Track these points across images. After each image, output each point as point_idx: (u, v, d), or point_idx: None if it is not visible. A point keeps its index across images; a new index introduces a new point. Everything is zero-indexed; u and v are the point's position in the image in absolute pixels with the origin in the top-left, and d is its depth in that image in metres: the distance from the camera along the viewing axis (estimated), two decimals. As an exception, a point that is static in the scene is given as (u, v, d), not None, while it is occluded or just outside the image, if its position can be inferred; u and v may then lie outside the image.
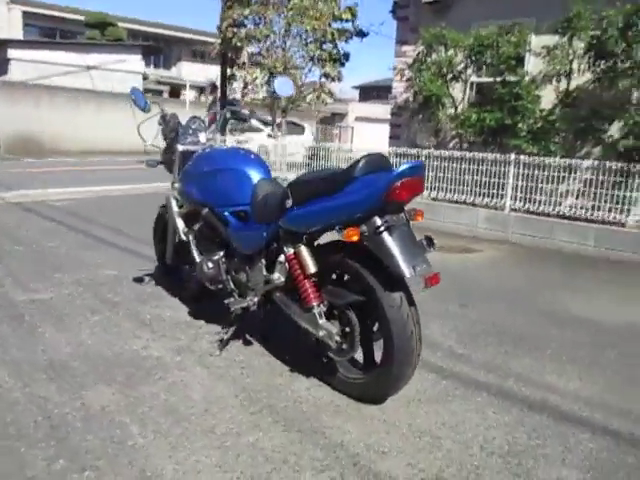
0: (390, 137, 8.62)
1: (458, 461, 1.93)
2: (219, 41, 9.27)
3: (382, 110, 26.49)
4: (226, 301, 2.71)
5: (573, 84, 6.15)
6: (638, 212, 5.67)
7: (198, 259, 2.93)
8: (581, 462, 1.96)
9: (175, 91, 28.50)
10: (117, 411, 2.14)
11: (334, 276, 2.34)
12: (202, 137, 3.05)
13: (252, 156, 2.79)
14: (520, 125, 6.15)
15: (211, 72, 27.73)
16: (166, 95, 27.12)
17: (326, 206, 2.06)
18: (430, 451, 1.99)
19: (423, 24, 7.87)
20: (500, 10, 6.95)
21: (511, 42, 6.36)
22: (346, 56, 8.95)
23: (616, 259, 5.44)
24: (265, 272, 2.50)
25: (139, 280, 3.90)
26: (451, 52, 6.91)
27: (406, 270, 1.93)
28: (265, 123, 3.15)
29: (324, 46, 8.62)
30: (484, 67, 6.72)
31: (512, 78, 6.45)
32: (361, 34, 8.94)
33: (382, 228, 1.97)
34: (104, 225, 5.78)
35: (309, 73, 9.09)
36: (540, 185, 6.10)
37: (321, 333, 2.23)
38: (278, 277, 2.34)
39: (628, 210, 5.56)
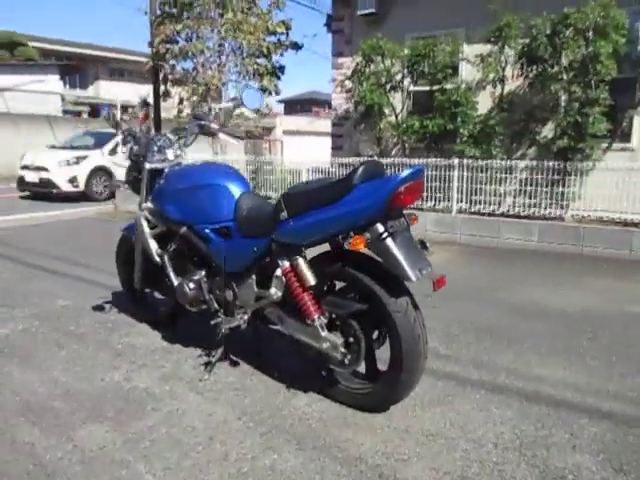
0: (332, 148, 8.72)
1: (477, 460, 1.95)
2: (148, 59, 9.04)
3: (307, 123, 27.05)
4: (213, 322, 2.60)
5: (507, 89, 6.51)
6: (575, 207, 6.05)
7: (175, 281, 2.80)
8: (589, 447, 2.03)
9: (95, 111, 27.38)
10: (117, 450, 2.00)
11: (329, 287, 2.31)
12: (170, 154, 2.93)
13: (229, 170, 2.72)
14: (461, 130, 6.41)
15: (131, 90, 26.94)
16: (86, 115, 26.00)
17: (327, 216, 2.03)
18: (448, 453, 1.99)
19: (358, 36, 8.07)
20: (432, 22, 7.23)
21: (446, 52, 6.63)
22: (282, 69, 8.99)
23: (558, 252, 5.76)
24: (256, 288, 2.43)
25: (99, 308, 3.68)
26: (389, 62, 7.10)
27: (412, 274, 1.94)
28: (237, 137, 3.07)
29: (260, 60, 8.60)
30: (421, 76, 6.93)
31: (449, 86, 6.72)
32: (295, 47, 9.01)
33: (385, 234, 1.97)
34: (40, 253, 5.42)
35: (243, 88, 9.03)
36: (484, 187, 6.37)
37: (325, 345, 2.18)
38: (275, 292, 2.27)
39: (566, 205, 5.92)
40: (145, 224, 2.90)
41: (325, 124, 19.23)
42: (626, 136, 6.15)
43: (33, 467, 1.88)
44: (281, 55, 8.87)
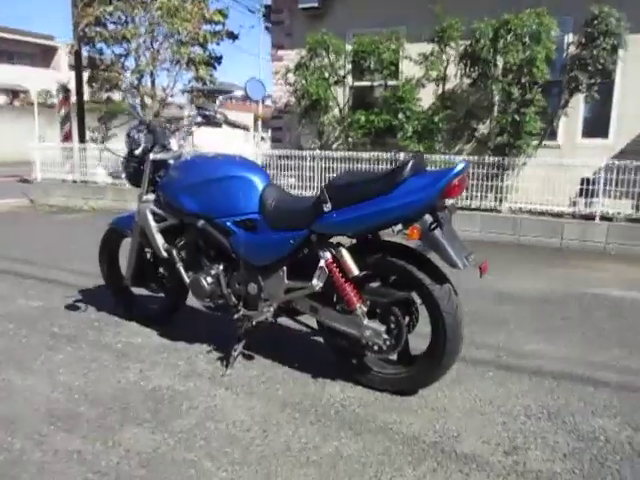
0: (272, 140, 8.68)
1: (518, 431, 2.11)
2: (72, 42, 8.44)
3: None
4: (236, 316, 2.57)
5: (450, 88, 6.87)
6: (511, 199, 6.54)
7: (186, 276, 2.72)
8: (605, 411, 2.28)
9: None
10: (174, 450, 1.93)
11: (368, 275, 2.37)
12: (174, 144, 2.82)
13: (249, 162, 2.68)
14: (406, 126, 6.67)
15: (21, 74, 24.74)
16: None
17: (378, 208, 2.09)
18: (490, 426, 2.14)
19: (299, 29, 8.10)
20: (373, 19, 7.43)
21: (390, 49, 6.86)
22: (219, 59, 8.78)
23: (498, 240, 6.22)
24: (287, 280, 2.43)
25: (74, 308, 3.47)
26: (333, 57, 7.21)
27: (460, 262, 2.06)
28: (243, 127, 3.00)
29: (195, 48, 8.35)
30: (366, 72, 7.12)
31: (394, 82, 6.97)
32: (232, 36, 8.84)
33: (435, 225, 2.07)
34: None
35: (178, 76, 8.73)
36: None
37: (367, 333, 2.25)
38: (317, 283, 2.29)
39: (505, 198, 6.39)
40: (151, 217, 2.77)
41: (234, 115, 19.09)
42: (553, 134, 6.75)
43: (93, 475, 1.78)
44: (217, 44, 8.67)
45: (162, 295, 3.16)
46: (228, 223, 2.53)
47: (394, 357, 2.41)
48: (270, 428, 2.10)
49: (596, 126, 6.82)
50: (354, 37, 7.25)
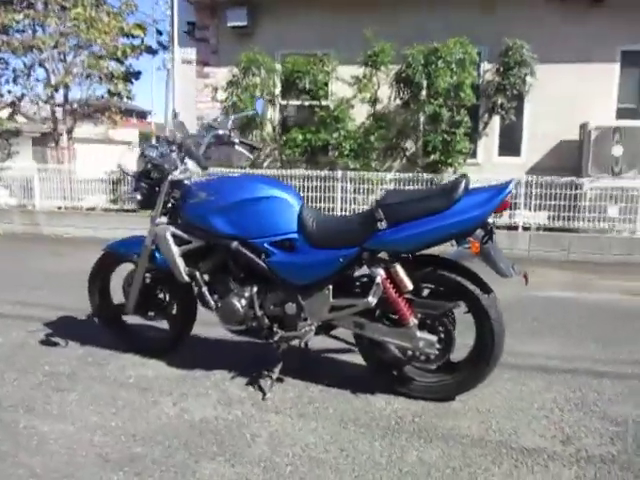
0: (199, 158, 8.47)
1: (561, 422, 2.32)
2: None
3: (97, 130, 24.91)
4: (276, 337, 2.53)
5: (383, 108, 7.23)
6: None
7: (212, 300, 2.63)
8: (623, 400, 2.57)
9: None
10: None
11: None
12: (190, 164, 2.72)
13: (280, 182, 2.67)
14: (343, 144, 6.91)
15: None
16: None
17: (437, 225, 2.20)
18: (536, 421, 2.33)
19: (226, 47, 8.06)
20: (302, 40, 7.62)
21: (324, 71, 7.09)
22: (137, 75, 8.39)
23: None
24: (332, 299, 2.45)
25: (51, 343, 3.18)
26: (266, 75, 7.28)
27: (508, 272, 2.25)
28: (253, 148, 2.96)
29: (112, 63, 7.91)
30: (299, 91, 7.26)
31: (328, 102, 7.20)
32: (151, 51, 8.51)
33: (486, 238, 2.24)
34: None
35: (90, 90, 8.21)
36: (363, 196, 6.99)
37: (421, 344, 2.34)
38: (372, 300, 2.34)
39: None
40: (172, 240, 2.63)
41: (121, 133, 18.37)
42: (474, 153, 7.37)
43: (201, 515, 1.67)
44: (137, 59, 8.32)
45: (153, 323, 3.00)
46: (265, 244, 2.50)
47: (434, 366, 2.52)
48: (345, 446, 2.10)
49: (510, 146, 7.57)
50: (287, 57, 7.37)
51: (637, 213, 6.59)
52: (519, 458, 2.04)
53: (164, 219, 2.73)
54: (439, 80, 6.38)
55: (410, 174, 6.82)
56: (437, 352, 2.36)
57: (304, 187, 7.01)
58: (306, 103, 7.42)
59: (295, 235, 2.48)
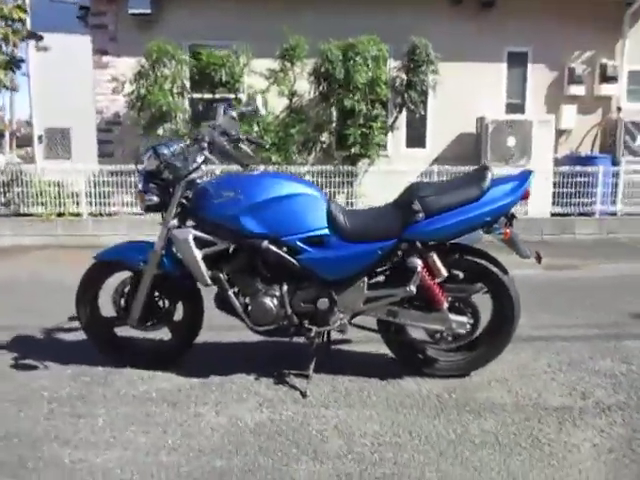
0: (100, 155, 7.83)
1: (569, 381, 2.65)
2: None
3: None
4: (312, 333, 2.54)
5: (301, 102, 7.28)
6: (360, 202, 7.31)
7: (238, 302, 2.56)
8: (597, 355, 2.99)
9: None
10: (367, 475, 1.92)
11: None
12: (201, 162, 2.58)
13: (305, 180, 2.65)
14: (265, 138, 6.87)
15: None
16: None
17: (472, 214, 2.37)
18: (550, 383, 2.63)
19: (126, 35, 7.53)
20: (210, 32, 7.37)
21: (239, 63, 6.96)
22: (19, 62, 7.44)
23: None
24: (367, 290, 2.53)
25: (27, 368, 2.85)
26: (179, 67, 6.96)
27: (528, 254, 2.51)
28: (260, 145, 2.87)
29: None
30: (213, 84, 7.04)
31: (245, 95, 7.09)
32: (34, 37, 7.60)
33: (509, 224, 2.47)
34: None
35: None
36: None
37: (454, 325, 2.52)
38: (412, 289, 2.44)
39: (355, 202, 7.13)
40: (194, 244, 2.50)
41: None
42: (384, 146, 7.74)
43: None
44: (14, 46, 7.41)
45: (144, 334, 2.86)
46: (297, 242, 2.49)
47: (455, 345, 2.71)
48: (411, 429, 2.21)
49: (416, 138, 8.09)
50: (198, 48, 7.09)
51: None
52: (559, 416, 2.31)
53: (176, 222, 2.58)
54: (357, 76, 6.62)
55: (331, 167, 7.01)
56: (466, 332, 2.56)
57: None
58: (222, 96, 7.21)
59: (326, 231, 2.51)
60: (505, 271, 2.57)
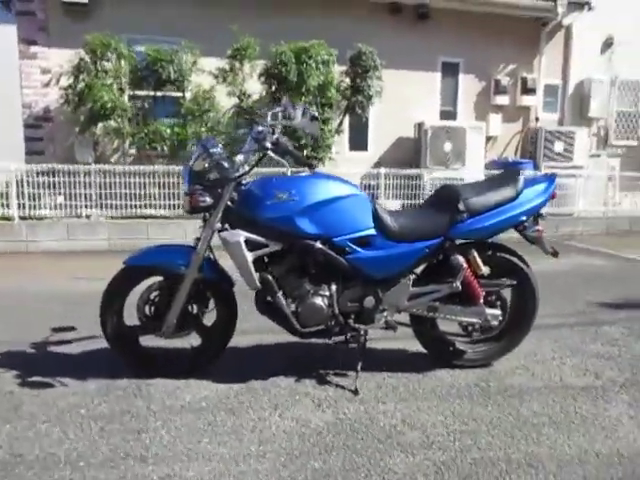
0: (27, 153, 7.17)
1: (579, 364, 2.94)
2: None
3: None
4: (361, 332, 2.59)
5: (252, 103, 7.18)
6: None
7: (286, 304, 2.54)
8: (588, 340, 3.34)
9: None
10: (462, 459, 2.02)
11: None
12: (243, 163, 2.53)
13: (351, 181, 2.66)
14: (217, 138, 6.70)
15: None
16: None
17: (511, 214, 2.56)
18: (562, 366, 2.90)
19: (58, 25, 6.99)
20: (151, 27, 7.07)
21: (189, 61, 6.74)
22: None
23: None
24: (412, 287, 2.63)
25: (41, 386, 2.62)
26: (122, 62, 6.59)
27: (549, 250, 2.76)
28: (309, 165, 2.76)
29: None
30: (159, 81, 6.75)
31: (192, 94, 6.88)
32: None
33: (537, 223, 2.70)
34: None
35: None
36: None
37: (489, 318, 2.70)
38: (458, 285, 2.57)
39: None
40: (245, 247, 2.44)
41: None
42: (329, 148, 7.87)
43: None
44: None
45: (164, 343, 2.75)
46: (347, 242, 2.53)
47: (484, 336, 2.89)
48: (473, 416, 2.34)
49: (359, 141, 8.32)
50: (140, 44, 6.77)
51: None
52: (588, 394, 2.57)
53: (219, 224, 2.51)
54: (310, 79, 6.69)
55: (285, 169, 7.00)
56: (498, 323, 2.75)
57: (169, 184, 6.65)
58: (166, 93, 6.94)
59: (373, 231, 2.57)
60: (528, 266, 2.80)
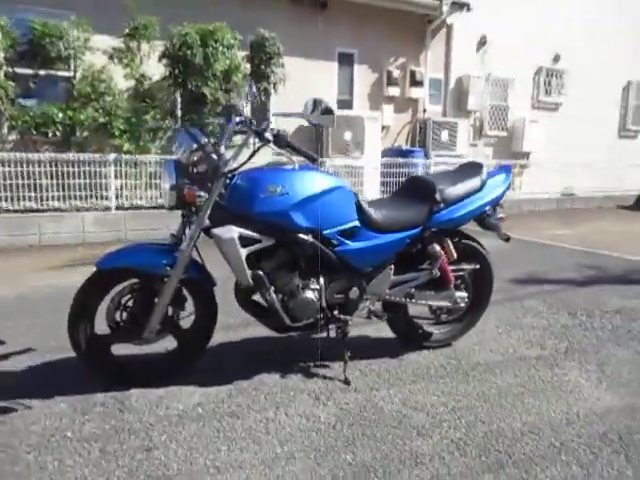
0: None
1: (563, 331, 3.28)
2: None
3: None
4: (349, 323, 2.63)
5: (152, 86, 6.67)
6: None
7: (277, 300, 2.49)
8: (539, 315, 3.73)
9: None
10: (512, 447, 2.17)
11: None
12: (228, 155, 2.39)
13: (332, 173, 2.63)
14: (115, 123, 6.19)
15: None
16: None
17: (480, 203, 2.74)
18: (554, 334, 3.23)
19: None
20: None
21: (80, 38, 6.11)
22: None
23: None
24: (393, 276, 2.71)
25: (8, 409, 2.31)
26: (-2, 36, 5.77)
27: (505, 236, 3.02)
28: (312, 159, 2.51)
29: None
30: (46, 59, 6.02)
31: (83, 74, 6.26)
32: None
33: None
34: None
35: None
36: (135, 182, 6.52)
37: (458, 300, 2.89)
38: (437, 272, 2.70)
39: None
40: (238, 242, 2.32)
41: None
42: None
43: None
44: None
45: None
46: (336, 234, 2.54)
47: (451, 318, 3.08)
48: (464, 393, 2.51)
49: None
50: (20, 14, 5.96)
51: (362, 185, 8.30)
52: (544, 363, 2.88)
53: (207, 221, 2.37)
54: (217, 64, 6.43)
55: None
56: (464, 305, 2.96)
57: (63, 174, 6.04)
58: (59, 74, 6.22)
59: (357, 223, 2.61)
60: (487, 251, 3.04)
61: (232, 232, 2.33)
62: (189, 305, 2.57)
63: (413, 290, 2.81)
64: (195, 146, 2.33)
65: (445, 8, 8.73)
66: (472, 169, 2.90)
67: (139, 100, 6.57)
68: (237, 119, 2.52)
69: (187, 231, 2.39)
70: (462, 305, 2.94)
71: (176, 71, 6.52)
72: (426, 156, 8.77)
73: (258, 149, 2.46)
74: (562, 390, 2.57)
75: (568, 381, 2.67)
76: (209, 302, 2.57)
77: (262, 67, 7.19)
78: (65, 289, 2.72)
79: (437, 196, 2.70)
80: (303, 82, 8.13)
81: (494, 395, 2.50)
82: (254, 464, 1.93)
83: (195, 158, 2.32)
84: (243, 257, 2.37)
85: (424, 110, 9.42)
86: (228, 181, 2.41)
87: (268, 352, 2.96)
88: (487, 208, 2.86)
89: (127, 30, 6.31)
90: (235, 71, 6.77)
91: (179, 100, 7.05)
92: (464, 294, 2.94)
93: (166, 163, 2.39)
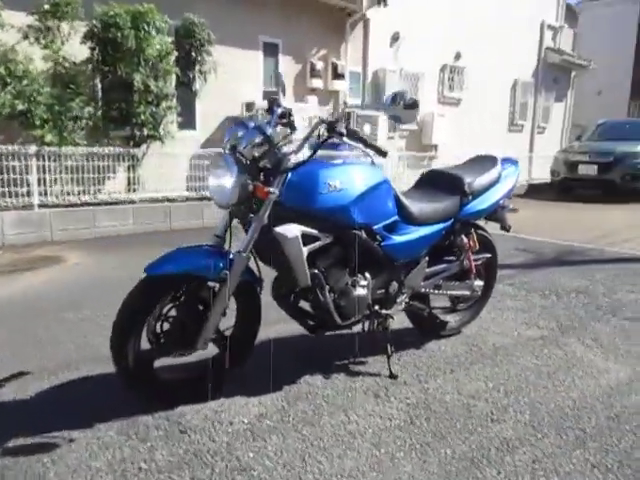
0: None
1: (529, 321, 3.51)
2: None
3: None
4: (391, 317, 2.61)
5: (74, 71, 5.97)
6: (141, 189, 6.71)
7: (329, 299, 2.40)
8: (524, 299, 3.97)
9: None
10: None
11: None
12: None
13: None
14: (37, 112, 5.49)
15: None
16: None
17: (500, 195, 2.86)
18: (520, 325, 3.43)
19: None
20: None
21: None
22: None
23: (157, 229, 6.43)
24: (427, 268, 2.74)
25: (50, 447, 2.00)
26: None
27: (509, 226, 3.19)
28: (383, 154, 2.31)
29: None
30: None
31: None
32: None
33: (502, 201, 3.10)
34: None
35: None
36: (74, 175, 5.93)
37: (477, 288, 3.00)
38: (466, 262, 2.76)
39: (137, 187, 6.52)
40: (300, 241, 2.19)
41: None
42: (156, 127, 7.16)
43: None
44: None
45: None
46: (381, 229, 2.52)
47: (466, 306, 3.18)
48: (499, 377, 2.63)
49: (187, 120, 7.73)
50: None
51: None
52: (550, 343, 3.10)
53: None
54: (149, 48, 5.96)
55: (120, 148, 6.20)
56: (480, 293, 3.09)
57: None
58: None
59: (397, 217, 2.60)
60: (493, 240, 3.19)
61: (295, 230, 2.21)
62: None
63: (441, 281, 2.88)
64: (257, 140, 2.16)
65: (365, 3, 8.90)
66: (488, 161, 3.02)
67: (62, 86, 5.88)
68: (279, 111, 2.38)
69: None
70: (479, 293, 3.07)
71: (103, 54, 5.94)
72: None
73: (322, 143, 2.34)
74: (577, 367, 2.77)
75: (581, 357, 2.90)
76: (256, 305, 2.41)
77: (193, 54, 6.81)
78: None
79: (466, 188, 2.77)
80: (229, 72, 7.85)
81: (529, 376, 2.65)
82: (363, 471, 1.86)
83: (256, 153, 2.15)
84: (305, 256, 2.25)
85: (345, 103, 9.57)
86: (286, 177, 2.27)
87: (298, 350, 2.86)
88: (504, 198, 3.00)
89: (47, 6, 5.60)
90: (166, 57, 6.33)
91: (103, 86, 6.46)
92: (481, 283, 3.07)
93: (222, 157, 2.18)
